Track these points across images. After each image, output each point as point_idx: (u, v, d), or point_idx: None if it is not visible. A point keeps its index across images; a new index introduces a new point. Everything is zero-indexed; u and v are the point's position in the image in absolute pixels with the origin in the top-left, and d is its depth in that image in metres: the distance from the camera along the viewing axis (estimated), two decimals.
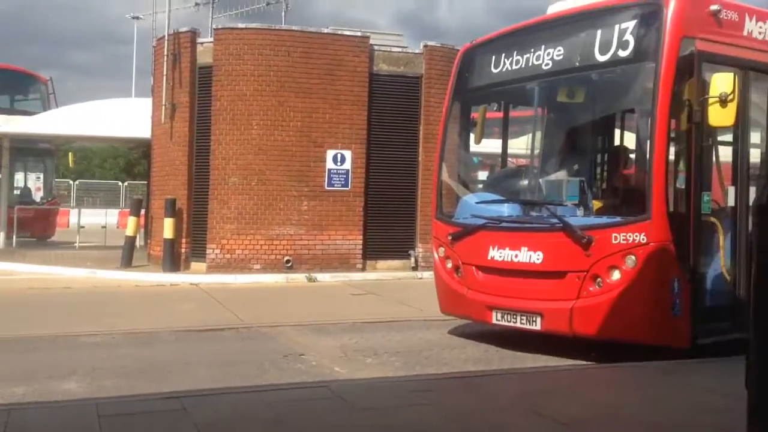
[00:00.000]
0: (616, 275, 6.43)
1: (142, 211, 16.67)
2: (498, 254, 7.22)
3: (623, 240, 6.38)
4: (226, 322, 9.13)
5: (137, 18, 33.04)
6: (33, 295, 11.63)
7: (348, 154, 14.40)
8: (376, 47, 14.83)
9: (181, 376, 6.32)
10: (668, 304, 6.33)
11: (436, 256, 8.13)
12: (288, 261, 13.97)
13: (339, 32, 14.72)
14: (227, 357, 7.14)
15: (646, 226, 6.29)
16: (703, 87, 6.38)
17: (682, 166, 6.58)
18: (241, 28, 14.51)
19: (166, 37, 14.69)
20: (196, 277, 13.59)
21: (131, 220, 15.57)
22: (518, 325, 7.10)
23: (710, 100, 6.23)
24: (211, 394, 5.61)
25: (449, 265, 7.84)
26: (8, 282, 13.14)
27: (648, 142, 6.44)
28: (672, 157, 6.51)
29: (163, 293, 12.21)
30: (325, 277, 13.78)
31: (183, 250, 14.37)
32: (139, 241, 16.08)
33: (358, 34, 14.79)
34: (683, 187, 6.53)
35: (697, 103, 6.37)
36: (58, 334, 8.07)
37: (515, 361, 7.02)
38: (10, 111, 20.92)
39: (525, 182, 7.78)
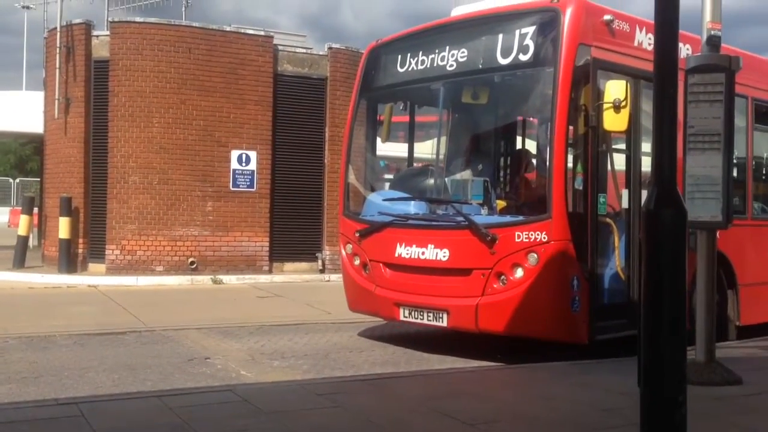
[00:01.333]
0: (519, 273, 6.60)
1: (36, 210, 15.93)
2: (405, 251, 7.28)
3: (526, 238, 6.55)
4: (127, 325, 8.81)
5: (28, 8, 31.34)
6: None
7: (253, 154, 14.21)
8: (280, 47, 14.70)
9: (80, 382, 6.05)
10: (568, 301, 6.54)
11: (343, 252, 8.13)
12: (192, 262, 13.65)
13: (242, 30, 14.49)
14: (128, 362, 6.88)
15: (547, 224, 6.49)
16: (598, 93, 6.65)
17: (579, 168, 6.82)
18: (139, 22, 14.06)
19: (58, 29, 14.04)
20: (94, 278, 13.06)
21: (23, 219, 14.85)
22: (425, 321, 7.18)
23: (605, 106, 6.49)
24: (112, 399, 5.41)
25: (357, 262, 7.87)
26: None
27: (548, 144, 6.65)
28: (570, 159, 6.75)
29: (60, 295, 11.66)
30: (231, 279, 13.55)
31: (80, 251, 13.80)
32: (32, 241, 15.35)
33: (262, 33, 14.61)
34: (581, 188, 6.77)
35: (592, 108, 6.63)
36: None
37: (422, 363, 7.08)
38: None
39: (431, 181, 7.88)
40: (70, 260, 13.50)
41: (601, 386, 5.71)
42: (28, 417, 4.70)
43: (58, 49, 13.94)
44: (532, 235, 6.54)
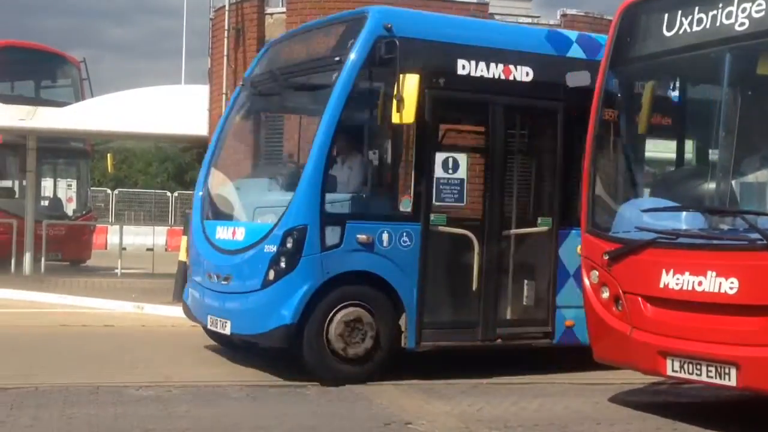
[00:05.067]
0: None
1: None
2: (674, 281, 7.00)
3: None
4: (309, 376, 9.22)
5: None
6: (67, 334, 12.11)
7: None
8: (497, 17, 14.79)
9: None
10: None
11: (587, 282, 7.95)
12: None
13: None
14: (312, 423, 7.19)
15: None
16: None
17: None
18: None
19: (226, 8, 15.07)
20: None
21: (184, 242, 15.95)
22: (703, 378, 6.87)
23: None
24: None
25: (605, 294, 7.67)
26: (36, 316, 13.81)
27: None
28: None
29: None
30: None
31: None
32: None
33: (474, 0, 14.80)
34: None
35: None
36: (100, 384, 8.33)
37: None
38: (36, 101, 21.77)
39: (711, 185, 7.47)
40: None
41: None
42: None
43: (226, 32, 14.94)
44: None
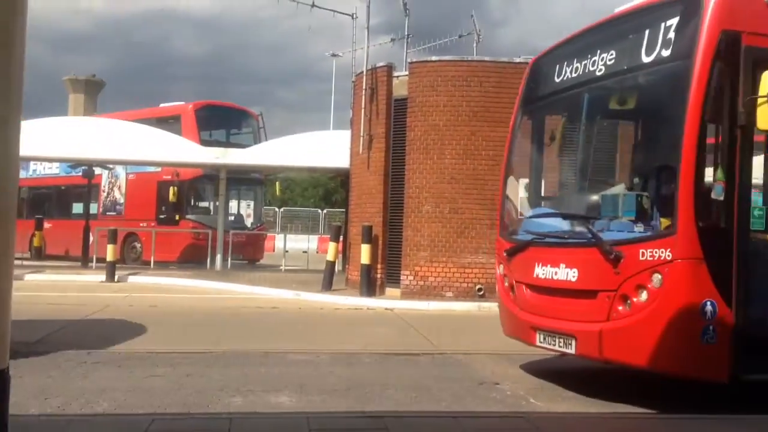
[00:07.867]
0: (643, 295, 5.85)
1: (341, 238, 17.46)
2: (542, 271, 6.88)
3: (650, 256, 5.81)
4: (421, 347, 9.30)
5: (336, 56, 34.80)
6: (246, 314, 12.54)
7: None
8: None
9: (381, 397, 6.54)
10: (697, 330, 5.61)
11: (498, 273, 7.94)
12: (480, 289, 13.97)
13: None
14: (423, 382, 7.25)
15: (671, 241, 5.69)
16: (752, 86, 5.69)
17: (721, 175, 5.75)
18: (434, 61, 14.88)
19: (364, 72, 15.42)
20: (390, 302, 13.99)
21: (331, 246, 16.36)
22: (557, 347, 6.73)
23: (759, 101, 5.56)
24: (412, 416, 5.80)
25: (506, 283, 7.66)
26: (225, 300, 14.37)
27: (677, 145, 5.74)
28: (708, 164, 5.78)
29: (361, 317, 12.68)
30: None
31: (378, 276, 14.87)
32: (337, 266, 16.84)
33: None
34: (722, 198, 5.73)
35: (742, 105, 5.71)
36: (269, 350, 8.61)
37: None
38: (226, 144, 22.97)
39: (575, 197, 7.48)
40: (370, 284, 14.62)
41: None
42: (340, 426, 5.19)
43: (364, 91, 15.29)
44: (656, 252, 5.78)
